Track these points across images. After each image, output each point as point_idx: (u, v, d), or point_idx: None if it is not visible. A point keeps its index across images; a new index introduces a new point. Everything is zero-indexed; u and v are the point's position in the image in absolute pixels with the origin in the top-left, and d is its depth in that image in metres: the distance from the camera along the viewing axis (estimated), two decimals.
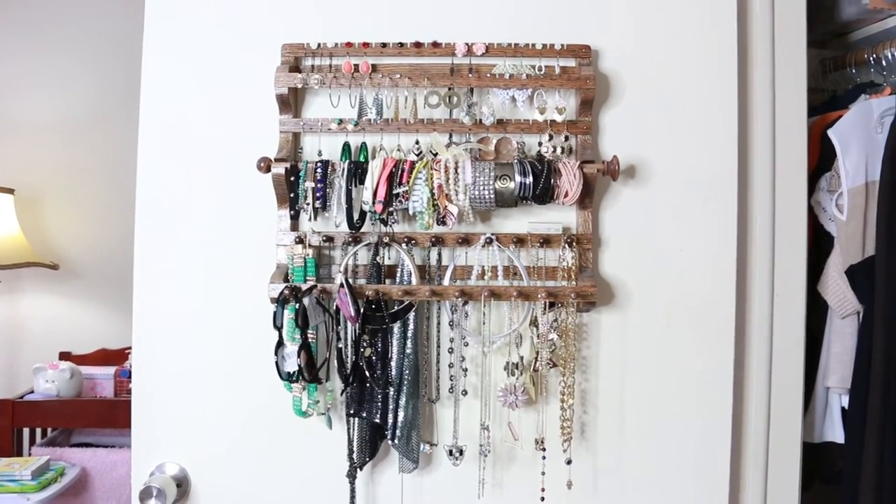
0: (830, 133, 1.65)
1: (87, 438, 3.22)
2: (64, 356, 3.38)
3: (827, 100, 1.92)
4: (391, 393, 1.39)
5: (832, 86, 1.97)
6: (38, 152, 3.46)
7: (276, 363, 1.34)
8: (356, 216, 1.37)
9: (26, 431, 3.12)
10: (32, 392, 3.12)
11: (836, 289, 1.66)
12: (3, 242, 3.18)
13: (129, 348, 2.97)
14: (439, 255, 1.42)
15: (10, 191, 3.26)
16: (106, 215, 3.44)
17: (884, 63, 1.78)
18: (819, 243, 1.72)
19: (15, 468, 2.71)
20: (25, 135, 3.46)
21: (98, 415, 3.06)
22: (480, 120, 1.40)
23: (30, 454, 3.00)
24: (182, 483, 1.46)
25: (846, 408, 1.68)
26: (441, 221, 1.35)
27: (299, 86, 1.40)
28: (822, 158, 1.72)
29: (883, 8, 1.78)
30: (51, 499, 2.72)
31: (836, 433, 1.71)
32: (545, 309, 1.37)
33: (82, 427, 3.18)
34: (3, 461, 2.77)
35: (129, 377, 3.08)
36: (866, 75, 1.86)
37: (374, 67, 1.41)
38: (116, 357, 3.37)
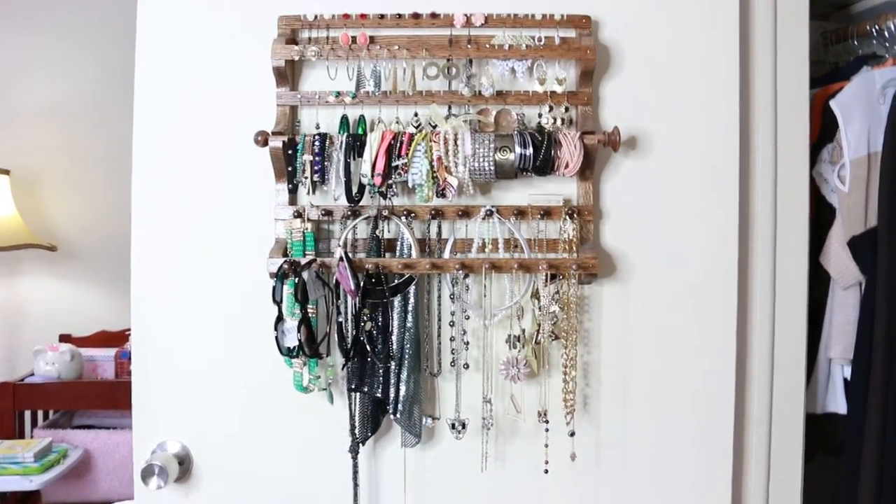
0: (832, 104, 1.64)
1: (89, 420, 3.23)
2: (64, 338, 3.39)
3: (829, 72, 1.90)
4: (392, 367, 1.38)
5: (834, 58, 1.95)
6: (36, 133, 3.45)
7: (276, 338, 1.33)
8: (355, 189, 1.36)
9: (28, 414, 3.13)
10: (33, 374, 3.13)
11: (839, 260, 1.65)
12: (0, 224, 3.17)
13: (129, 330, 2.97)
14: (439, 227, 1.41)
15: (7, 172, 3.24)
16: (104, 196, 3.43)
17: (886, 35, 1.76)
18: (821, 214, 1.71)
19: (17, 450, 2.71)
20: (23, 116, 3.44)
21: (99, 396, 3.07)
22: (480, 91, 1.38)
23: (32, 437, 3.01)
24: (184, 461, 1.46)
25: (848, 379, 1.68)
26: (441, 194, 1.34)
27: (296, 58, 1.38)
28: (823, 129, 1.71)
29: None
30: (54, 480, 2.73)
31: (838, 404, 1.70)
32: (546, 281, 1.36)
33: (83, 409, 3.19)
34: (6, 444, 2.77)
35: (130, 358, 3.08)
36: (868, 47, 1.84)
37: (372, 39, 1.39)
38: (116, 339, 3.38)
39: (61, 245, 3.42)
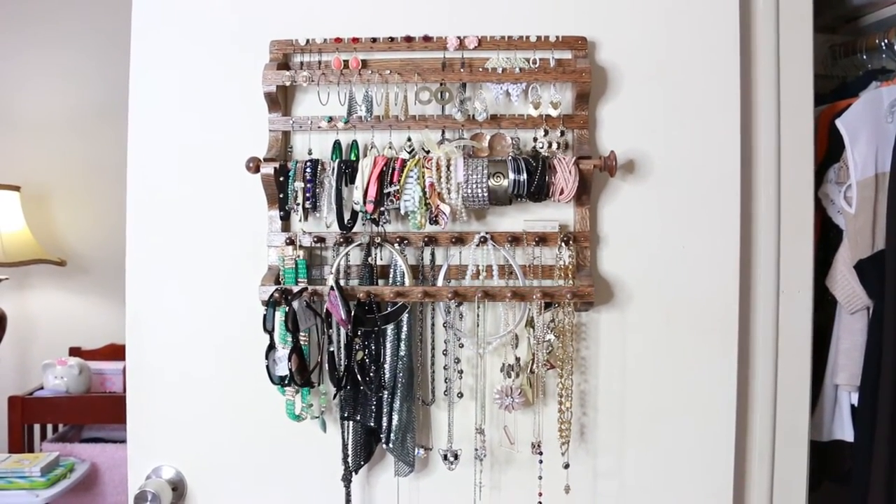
0: (838, 123, 1.60)
1: (98, 433, 3.25)
2: (74, 352, 3.40)
3: (837, 87, 1.86)
4: (385, 396, 1.36)
5: (842, 72, 1.91)
6: (45, 149, 3.46)
7: (267, 367, 1.32)
8: (347, 216, 1.34)
9: (37, 427, 3.14)
10: (42, 388, 3.14)
11: (845, 284, 1.61)
12: (10, 239, 3.19)
13: None
14: (433, 254, 1.39)
15: (17, 188, 3.26)
16: (112, 210, 3.42)
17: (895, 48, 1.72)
18: (827, 236, 1.67)
19: (24, 465, 2.72)
20: (31, 131, 3.46)
21: (107, 410, 3.08)
22: (473, 115, 1.36)
23: (40, 450, 3.02)
24: (178, 486, 1.45)
25: (856, 405, 1.64)
26: (433, 221, 1.32)
27: (287, 83, 1.36)
28: (830, 149, 1.67)
29: None
30: (60, 495, 2.73)
31: (845, 432, 1.66)
32: (541, 309, 1.33)
33: (91, 423, 3.20)
34: (13, 458, 2.78)
35: None
36: (878, 61, 1.81)
37: (365, 63, 1.38)
38: (125, 352, 3.37)
39: (70, 259, 3.43)
